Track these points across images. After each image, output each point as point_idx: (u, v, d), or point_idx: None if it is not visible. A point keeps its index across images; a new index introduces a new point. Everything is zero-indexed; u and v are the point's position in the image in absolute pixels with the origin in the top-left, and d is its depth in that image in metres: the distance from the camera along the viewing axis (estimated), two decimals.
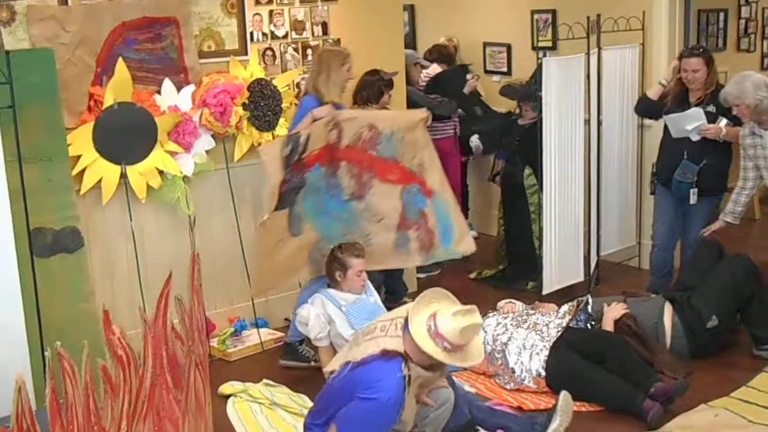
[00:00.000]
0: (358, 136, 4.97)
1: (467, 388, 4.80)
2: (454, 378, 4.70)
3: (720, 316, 5.07)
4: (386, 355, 3.59)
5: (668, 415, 4.48)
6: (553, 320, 5.02)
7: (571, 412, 4.33)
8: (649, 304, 5.30)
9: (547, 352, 4.78)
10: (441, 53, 7.58)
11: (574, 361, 4.72)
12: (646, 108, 6.02)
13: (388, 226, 5.16)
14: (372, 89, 5.98)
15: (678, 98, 5.70)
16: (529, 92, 6.37)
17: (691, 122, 5.53)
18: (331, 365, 3.90)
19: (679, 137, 5.61)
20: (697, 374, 4.82)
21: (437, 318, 3.53)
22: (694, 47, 5.82)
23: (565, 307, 5.19)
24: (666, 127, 5.78)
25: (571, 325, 4.97)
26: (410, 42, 8.25)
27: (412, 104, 6.49)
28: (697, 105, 5.61)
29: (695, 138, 5.57)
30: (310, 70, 5.58)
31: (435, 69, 7.39)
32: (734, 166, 5.78)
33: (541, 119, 5.82)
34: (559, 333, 4.87)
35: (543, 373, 4.77)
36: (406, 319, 3.62)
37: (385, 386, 3.53)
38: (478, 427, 4.34)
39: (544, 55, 6.03)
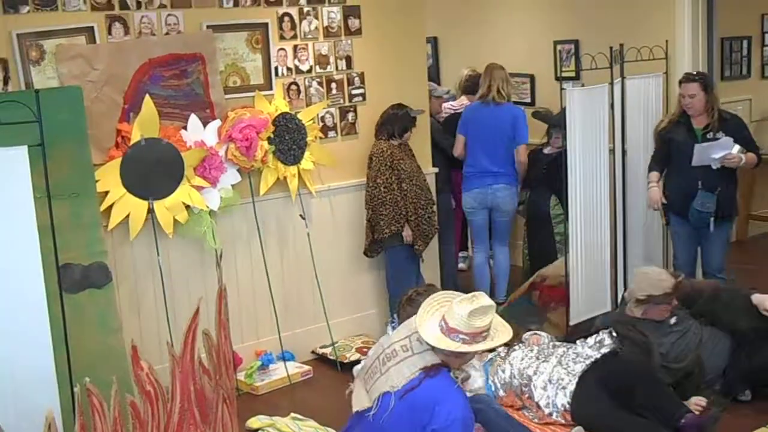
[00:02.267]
0: None
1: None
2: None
3: None
4: (429, 371, 3.52)
5: None
6: (581, 353, 4.97)
7: None
8: None
9: (572, 387, 4.73)
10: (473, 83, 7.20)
11: (598, 405, 4.63)
12: (658, 161, 5.99)
13: None
14: (398, 124, 6.02)
15: (681, 126, 5.70)
16: (562, 119, 6.40)
17: (720, 151, 5.56)
18: (359, 402, 3.68)
19: (695, 166, 5.59)
20: (730, 408, 4.78)
21: (446, 315, 3.51)
22: (691, 73, 5.85)
23: (591, 340, 5.13)
24: (672, 158, 5.76)
25: (597, 357, 4.92)
26: (434, 74, 8.26)
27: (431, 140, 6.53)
28: (704, 132, 5.65)
29: (716, 166, 5.59)
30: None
31: (462, 102, 7.34)
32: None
33: (565, 148, 5.81)
34: (585, 368, 4.82)
35: (569, 408, 4.73)
36: None
37: (452, 402, 3.48)
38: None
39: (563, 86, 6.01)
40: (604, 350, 4.99)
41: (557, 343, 5.25)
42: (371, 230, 6.01)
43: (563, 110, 6.40)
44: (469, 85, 7.30)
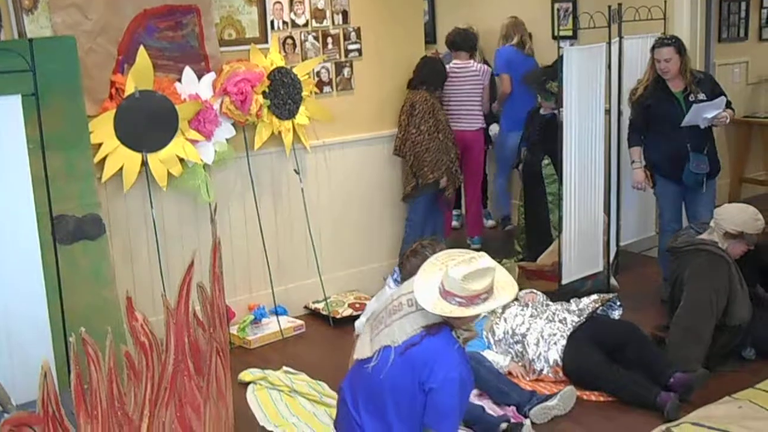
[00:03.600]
0: None
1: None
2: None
3: None
4: (431, 329, 3.48)
5: (690, 406, 4.46)
6: (574, 311, 5.03)
7: (572, 403, 4.52)
8: None
9: (564, 342, 4.79)
10: (458, 39, 7.27)
11: (589, 358, 4.71)
12: (637, 131, 5.96)
13: None
14: (439, 77, 6.42)
15: (659, 91, 5.70)
16: (539, 81, 6.43)
17: (714, 110, 5.61)
18: (361, 352, 3.67)
19: (679, 129, 5.62)
20: (721, 367, 4.84)
21: (443, 278, 3.43)
22: (664, 37, 5.83)
23: (587, 300, 5.18)
24: (653, 124, 5.76)
25: (588, 315, 4.97)
26: (430, 31, 8.22)
27: None
28: (685, 95, 5.66)
29: (704, 126, 5.65)
30: None
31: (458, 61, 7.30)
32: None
33: (560, 108, 5.80)
34: (577, 324, 4.87)
35: (560, 363, 4.78)
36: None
37: (450, 361, 3.44)
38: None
39: (564, 45, 5.99)
40: (596, 311, 5.04)
41: (551, 303, 5.29)
42: (414, 176, 6.23)
43: (544, 71, 6.45)
44: (457, 41, 7.25)
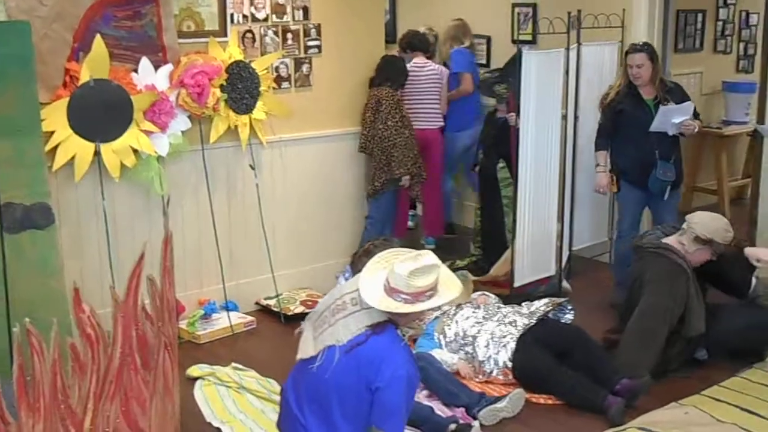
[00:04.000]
0: None
1: None
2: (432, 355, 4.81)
3: None
4: (377, 328, 3.46)
5: (637, 412, 4.49)
6: (525, 314, 5.04)
7: (521, 406, 4.54)
8: None
9: (514, 344, 4.80)
10: (415, 41, 7.35)
11: (538, 361, 4.73)
12: (605, 135, 5.98)
13: None
14: (402, 75, 6.44)
15: (630, 97, 5.75)
16: (487, 86, 6.49)
17: (681, 116, 5.65)
18: (304, 351, 3.63)
19: (650, 135, 5.66)
20: (673, 372, 4.89)
21: (388, 275, 3.42)
22: (637, 44, 5.89)
23: (538, 303, 5.19)
24: (622, 130, 5.81)
25: (537, 320, 4.98)
26: (390, 30, 8.21)
27: None
28: (655, 102, 5.71)
29: (672, 132, 5.69)
30: None
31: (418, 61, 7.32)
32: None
33: (517, 112, 5.82)
34: (527, 327, 4.89)
35: (510, 365, 4.80)
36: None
37: (397, 360, 3.43)
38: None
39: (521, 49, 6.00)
40: (547, 314, 5.06)
41: (502, 305, 5.31)
42: (382, 172, 6.24)
43: (494, 75, 6.49)
44: (414, 42, 7.29)
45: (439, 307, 5.05)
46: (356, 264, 4.39)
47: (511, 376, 4.80)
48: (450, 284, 3.53)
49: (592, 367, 4.69)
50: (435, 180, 7.39)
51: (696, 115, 5.80)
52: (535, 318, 4.97)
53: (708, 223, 4.94)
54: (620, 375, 4.64)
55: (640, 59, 5.68)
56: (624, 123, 5.81)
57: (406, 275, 3.36)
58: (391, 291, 3.41)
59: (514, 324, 4.93)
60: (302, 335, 3.70)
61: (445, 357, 4.93)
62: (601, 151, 5.96)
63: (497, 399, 4.51)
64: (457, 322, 5.04)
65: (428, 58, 7.38)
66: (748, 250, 5.10)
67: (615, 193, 6.08)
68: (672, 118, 5.65)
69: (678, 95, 5.78)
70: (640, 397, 4.58)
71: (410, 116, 6.75)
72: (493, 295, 5.51)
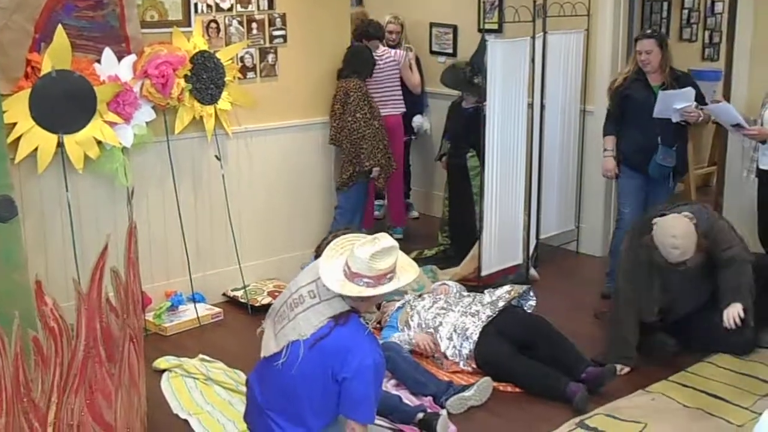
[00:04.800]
0: None
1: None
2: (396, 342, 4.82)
3: None
4: (339, 319, 3.47)
5: (604, 399, 4.53)
6: (487, 304, 5.02)
7: (488, 394, 4.55)
8: None
9: (477, 336, 4.81)
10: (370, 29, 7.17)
11: (500, 351, 4.74)
12: (613, 120, 5.97)
13: None
14: (369, 65, 6.47)
15: (638, 82, 5.76)
16: (463, 79, 6.46)
17: (682, 101, 5.58)
18: (266, 348, 3.63)
19: (654, 121, 5.64)
20: (640, 361, 4.91)
21: (348, 259, 3.43)
22: (647, 29, 5.91)
23: (500, 291, 5.17)
24: (628, 115, 5.81)
25: (499, 310, 4.96)
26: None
27: None
28: (662, 89, 5.67)
29: (676, 119, 5.64)
30: None
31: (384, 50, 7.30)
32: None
33: (484, 101, 5.84)
34: (490, 318, 4.89)
35: (473, 356, 4.81)
36: None
37: (364, 349, 3.44)
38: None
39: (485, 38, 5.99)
40: (509, 302, 5.05)
41: (465, 294, 5.32)
42: (350, 164, 6.24)
43: (465, 67, 6.47)
44: (370, 31, 7.12)
45: (402, 296, 5.08)
46: (321, 254, 4.40)
47: (476, 366, 4.81)
48: (408, 267, 3.56)
49: (557, 357, 4.70)
50: (398, 168, 7.39)
51: (700, 101, 5.69)
52: (497, 308, 4.96)
53: (659, 233, 4.71)
54: (585, 363, 4.66)
55: (649, 45, 5.65)
56: (630, 108, 5.78)
57: (368, 258, 3.37)
58: (352, 276, 3.41)
59: (476, 315, 4.92)
60: (264, 335, 3.69)
61: (403, 337, 4.95)
62: (609, 136, 5.95)
63: (465, 387, 4.52)
64: (419, 313, 5.05)
65: (393, 46, 7.40)
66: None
67: (615, 178, 6.06)
68: (673, 104, 5.58)
69: (686, 84, 5.71)
70: (606, 384, 4.61)
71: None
72: (454, 284, 5.51)
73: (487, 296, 5.14)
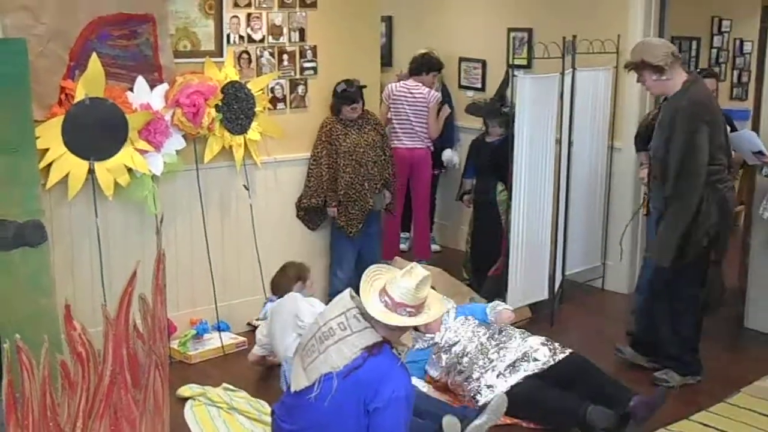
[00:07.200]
0: None
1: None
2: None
3: None
4: (373, 350, 3.46)
5: None
6: (520, 351, 4.84)
7: (501, 414, 4.40)
8: None
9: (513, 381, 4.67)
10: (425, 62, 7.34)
11: (533, 387, 4.61)
12: (641, 140, 5.94)
13: None
14: (333, 100, 6.09)
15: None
16: (494, 108, 6.47)
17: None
18: (298, 381, 3.59)
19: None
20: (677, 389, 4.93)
21: (388, 290, 3.47)
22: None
23: (533, 340, 4.90)
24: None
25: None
26: (386, 53, 8.24)
27: None
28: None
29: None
30: None
31: (409, 83, 7.31)
32: None
33: (511, 136, 5.84)
34: (535, 372, 4.70)
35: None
36: (359, 308, 3.52)
37: (397, 380, 3.45)
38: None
39: (514, 73, 6.00)
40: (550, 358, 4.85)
41: (511, 330, 5.06)
42: (299, 200, 6.14)
43: (493, 99, 6.50)
44: (414, 66, 7.31)
45: (432, 338, 5.00)
46: (277, 287, 5.06)
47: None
48: (437, 299, 3.67)
49: (602, 391, 4.58)
50: (423, 203, 7.39)
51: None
52: (537, 367, 4.73)
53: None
54: (631, 392, 4.54)
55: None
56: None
57: (413, 288, 3.44)
58: (396, 306, 3.46)
59: (509, 373, 4.75)
60: (292, 370, 3.69)
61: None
62: (641, 152, 5.95)
63: (477, 414, 4.35)
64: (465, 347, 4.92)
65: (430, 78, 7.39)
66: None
67: (645, 215, 6.03)
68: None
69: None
70: (656, 412, 4.49)
71: (395, 135, 6.94)
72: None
73: (519, 338, 4.93)
